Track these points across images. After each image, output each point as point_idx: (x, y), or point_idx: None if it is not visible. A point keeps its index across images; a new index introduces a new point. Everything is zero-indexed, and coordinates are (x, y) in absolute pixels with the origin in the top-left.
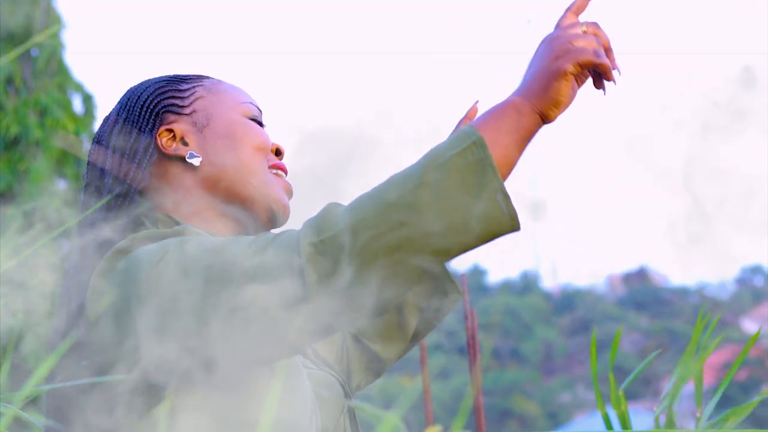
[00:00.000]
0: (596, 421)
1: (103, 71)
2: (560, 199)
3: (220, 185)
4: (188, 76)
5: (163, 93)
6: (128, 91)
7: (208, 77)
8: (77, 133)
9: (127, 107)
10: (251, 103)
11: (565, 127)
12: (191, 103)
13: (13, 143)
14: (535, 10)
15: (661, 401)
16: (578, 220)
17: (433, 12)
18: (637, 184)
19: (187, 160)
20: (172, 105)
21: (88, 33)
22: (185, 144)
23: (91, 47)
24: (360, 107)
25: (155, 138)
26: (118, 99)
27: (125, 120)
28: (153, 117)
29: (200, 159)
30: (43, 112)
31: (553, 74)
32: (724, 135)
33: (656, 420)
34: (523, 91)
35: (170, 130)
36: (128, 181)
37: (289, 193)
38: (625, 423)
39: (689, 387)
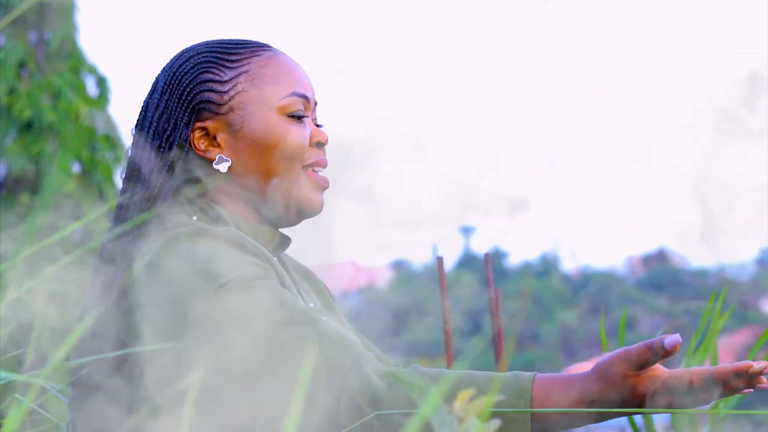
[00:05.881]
0: None
1: (117, 54)
2: (579, 180)
3: (249, 186)
4: (236, 51)
5: (203, 82)
6: (173, 63)
7: (257, 54)
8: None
9: (170, 88)
10: (295, 94)
11: (585, 108)
12: (229, 100)
13: (26, 127)
14: None
15: None
16: (598, 202)
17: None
18: (657, 166)
19: (214, 166)
20: (209, 102)
21: (101, 15)
22: (218, 145)
23: (105, 29)
24: (372, 105)
25: (190, 135)
26: (165, 64)
27: (165, 106)
28: (189, 111)
29: (228, 164)
30: (56, 96)
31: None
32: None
33: None
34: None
35: (204, 128)
36: (162, 175)
37: (324, 187)
38: None
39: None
